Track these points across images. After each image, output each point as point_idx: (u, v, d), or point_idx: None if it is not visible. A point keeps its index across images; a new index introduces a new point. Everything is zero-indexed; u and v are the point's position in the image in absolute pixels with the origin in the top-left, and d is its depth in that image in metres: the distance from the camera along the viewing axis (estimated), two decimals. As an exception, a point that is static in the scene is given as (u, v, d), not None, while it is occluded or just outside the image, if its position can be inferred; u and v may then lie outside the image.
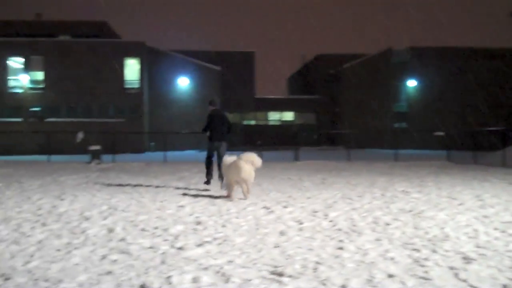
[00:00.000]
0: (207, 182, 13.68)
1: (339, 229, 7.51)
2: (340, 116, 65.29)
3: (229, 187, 11.15)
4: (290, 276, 4.98)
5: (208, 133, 13.45)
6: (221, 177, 13.19)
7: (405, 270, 5.26)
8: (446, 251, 6.12)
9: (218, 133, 13.38)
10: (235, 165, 10.83)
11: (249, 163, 10.83)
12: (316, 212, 9.17)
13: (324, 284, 4.76)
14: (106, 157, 28.94)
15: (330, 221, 8.24)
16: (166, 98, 53.06)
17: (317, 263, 5.52)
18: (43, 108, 49.02)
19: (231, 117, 63.42)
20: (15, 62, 49.43)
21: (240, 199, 11.15)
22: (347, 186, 14.22)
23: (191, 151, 47.05)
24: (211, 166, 13.68)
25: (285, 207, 9.81)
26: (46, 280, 4.84)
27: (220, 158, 13.04)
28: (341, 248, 6.23)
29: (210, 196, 11.71)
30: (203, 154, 31.97)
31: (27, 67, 49.05)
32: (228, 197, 11.14)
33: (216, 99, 14.37)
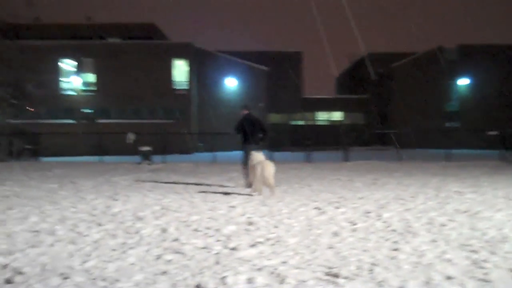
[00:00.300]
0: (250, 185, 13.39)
1: (394, 230, 7.38)
2: (390, 116, 64.48)
3: (251, 180, 12.36)
4: (345, 278, 4.92)
5: (241, 137, 14.27)
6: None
7: (464, 272, 5.13)
8: (506, 252, 5.94)
9: (252, 137, 14.03)
10: (253, 168, 12.06)
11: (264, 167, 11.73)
12: (369, 212, 9.05)
13: (381, 286, 4.68)
14: (156, 158, 29.28)
15: (384, 222, 8.11)
16: (214, 99, 53.36)
17: (373, 264, 5.44)
18: (94, 110, 50.01)
19: (279, 117, 63.39)
20: (67, 65, 50.58)
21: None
22: (399, 186, 14.01)
23: (239, 151, 47.12)
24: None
25: (337, 207, 9.72)
26: (104, 280, 4.90)
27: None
28: (396, 249, 6.12)
29: (261, 196, 11.70)
30: None
31: (79, 70, 50.14)
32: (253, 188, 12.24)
33: (250, 104, 14.81)
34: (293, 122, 66.18)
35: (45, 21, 59.36)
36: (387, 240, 6.70)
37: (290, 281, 4.80)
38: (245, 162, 13.66)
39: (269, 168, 11.73)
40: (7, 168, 23.24)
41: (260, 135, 14.19)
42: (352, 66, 77.53)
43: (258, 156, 12.23)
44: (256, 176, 11.87)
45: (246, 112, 14.30)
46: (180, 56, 50.51)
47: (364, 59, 69.48)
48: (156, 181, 16.37)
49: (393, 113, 63.60)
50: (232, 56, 55.76)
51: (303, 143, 34.92)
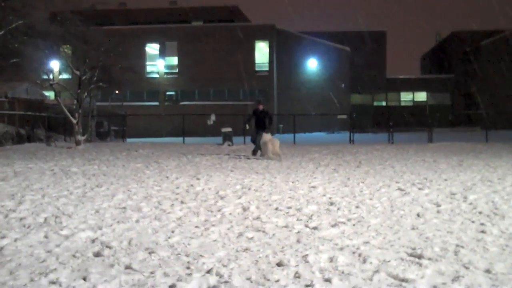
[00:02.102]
0: (254, 154, 18.37)
1: (480, 212, 7.16)
2: (477, 96, 62.08)
3: (264, 153, 17.30)
4: (429, 259, 4.80)
5: (253, 124, 18.92)
6: (257, 150, 18.32)
7: (556, 257, 4.90)
8: None
9: (263, 124, 18.28)
10: (265, 144, 17.20)
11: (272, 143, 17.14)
12: (454, 194, 8.81)
13: (466, 268, 4.54)
14: (237, 139, 29.59)
15: (470, 203, 7.88)
16: (295, 80, 53.20)
17: (458, 246, 5.29)
18: (177, 92, 51.05)
19: (361, 97, 62.57)
20: (152, 49, 51.83)
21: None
22: (486, 168, 13.56)
23: (320, 133, 46.94)
24: (256, 145, 18.32)
25: (420, 189, 9.52)
26: (187, 255, 5.00)
27: (259, 140, 17.82)
28: (483, 232, 5.93)
29: (342, 177, 11.64)
30: (332, 136, 34.35)
31: (163, 53, 51.26)
32: (263, 155, 17.38)
33: (262, 99, 20.53)
34: (376, 103, 65.04)
35: (130, 6, 61.16)
36: (473, 222, 6.52)
37: (372, 261, 4.73)
38: (254, 140, 18.49)
39: (276, 143, 17.09)
40: (95, 148, 24.11)
41: (268, 122, 18.39)
42: (437, 45, 75.15)
43: (267, 136, 17.24)
44: (268, 148, 16.94)
45: (260, 106, 18.71)
46: (262, 38, 50.72)
47: (450, 37, 67.26)
48: (237, 162, 16.57)
49: (480, 93, 61.15)
50: (313, 37, 55.30)
51: (386, 124, 34.27)
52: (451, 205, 7.77)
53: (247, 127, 19.98)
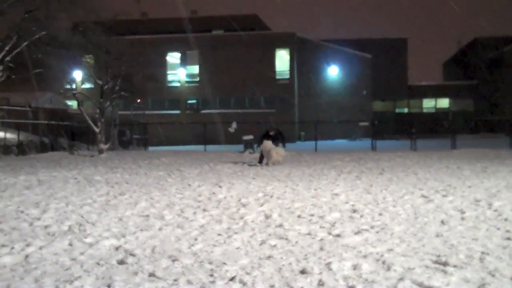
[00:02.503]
0: (260, 163, 18.95)
1: (505, 219, 7.08)
2: (501, 102, 61.34)
3: (269, 160, 18.20)
4: (455, 266, 4.76)
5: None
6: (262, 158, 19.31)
7: None
8: None
9: (272, 140, 19.05)
10: (268, 151, 18.23)
11: (276, 151, 18.26)
12: (478, 201, 8.72)
13: (492, 276, 4.48)
14: (258, 147, 29.58)
15: (495, 210, 7.79)
16: (316, 88, 53.02)
17: (483, 253, 5.23)
18: (198, 101, 51.23)
19: (383, 105, 62.38)
20: (173, 58, 52.10)
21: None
22: (511, 174, 13.39)
23: (341, 140, 46.74)
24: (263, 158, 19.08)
25: (444, 196, 9.43)
26: (211, 263, 5.01)
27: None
28: (509, 239, 5.87)
29: (365, 184, 11.58)
30: (354, 143, 34.53)
31: (184, 62, 51.50)
32: (267, 164, 18.13)
33: (274, 126, 22.39)
34: (398, 110, 64.69)
35: (151, 16, 61.68)
36: (498, 229, 6.44)
37: (396, 269, 4.70)
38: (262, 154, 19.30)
39: (280, 152, 18.41)
40: (118, 157, 24.28)
41: (281, 140, 20.18)
42: (460, 51, 74.56)
43: (269, 144, 18.26)
44: (271, 155, 18.05)
45: (272, 131, 19.89)
46: (282, 46, 50.67)
47: (472, 43, 66.67)
48: (258, 169, 16.57)
49: (505, 99, 60.36)
50: (334, 44, 55.17)
51: (408, 131, 34.02)
52: (475, 212, 7.69)
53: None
